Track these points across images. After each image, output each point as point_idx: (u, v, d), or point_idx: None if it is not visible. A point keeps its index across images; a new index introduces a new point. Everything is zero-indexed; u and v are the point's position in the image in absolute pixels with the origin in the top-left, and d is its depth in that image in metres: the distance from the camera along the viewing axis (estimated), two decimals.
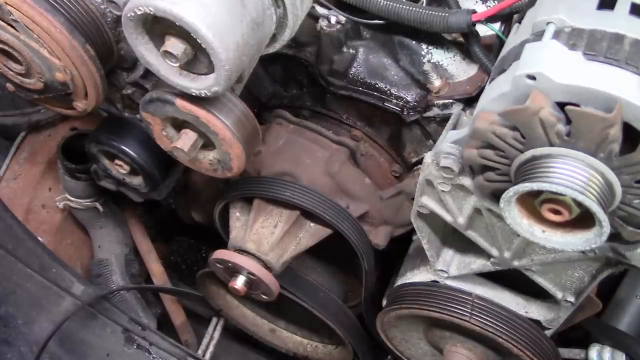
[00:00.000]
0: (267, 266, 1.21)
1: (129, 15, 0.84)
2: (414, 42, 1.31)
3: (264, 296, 1.25)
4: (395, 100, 1.31)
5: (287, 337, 1.64)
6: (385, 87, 1.31)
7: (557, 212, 0.79)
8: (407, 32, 1.30)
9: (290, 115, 1.39)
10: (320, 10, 1.28)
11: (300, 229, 1.26)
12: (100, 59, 1.01)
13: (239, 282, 1.21)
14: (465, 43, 1.24)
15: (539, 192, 0.78)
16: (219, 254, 1.22)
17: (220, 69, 0.85)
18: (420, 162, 1.37)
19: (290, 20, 0.94)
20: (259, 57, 0.97)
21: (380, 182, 1.40)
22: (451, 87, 1.29)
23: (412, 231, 1.30)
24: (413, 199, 1.06)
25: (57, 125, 1.67)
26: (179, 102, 0.96)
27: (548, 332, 1.14)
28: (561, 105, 0.74)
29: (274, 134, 1.36)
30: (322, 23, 1.26)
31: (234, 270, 1.22)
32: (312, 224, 1.27)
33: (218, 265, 1.24)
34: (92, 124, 1.38)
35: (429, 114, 1.31)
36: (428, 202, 1.02)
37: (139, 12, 0.82)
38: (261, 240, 1.23)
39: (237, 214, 1.29)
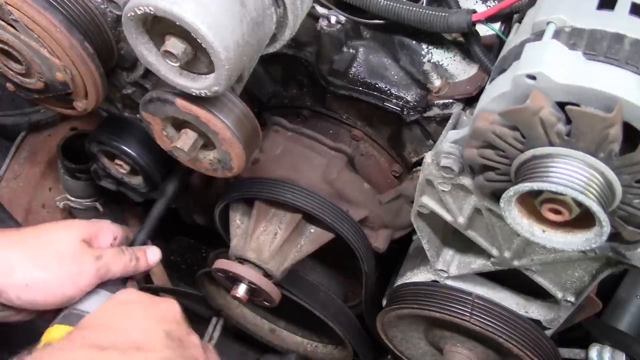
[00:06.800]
0: (267, 274, 1.22)
1: (129, 14, 0.84)
2: (414, 42, 1.31)
3: (266, 302, 1.26)
4: (395, 100, 1.31)
5: (287, 337, 1.64)
6: (386, 87, 1.31)
7: (557, 212, 0.79)
8: (407, 32, 1.30)
9: (287, 122, 1.38)
10: (320, 10, 1.27)
11: (301, 234, 1.26)
12: (100, 58, 1.01)
13: (241, 291, 1.22)
14: (465, 43, 1.24)
15: (539, 192, 0.78)
16: (220, 264, 1.23)
17: (220, 68, 0.85)
18: (420, 162, 1.37)
19: (290, 20, 0.94)
20: (259, 57, 0.97)
21: (380, 182, 1.39)
22: (451, 87, 1.29)
23: (412, 231, 1.30)
24: (412, 201, 1.06)
25: (57, 125, 1.67)
26: (179, 102, 0.96)
27: (548, 332, 1.14)
28: (561, 105, 0.74)
29: (271, 142, 1.35)
30: (322, 23, 1.26)
31: (235, 279, 1.23)
32: (312, 229, 1.26)
33: (219, 274, 1.25)
34: (92, 124, 1.38)
35: (429, 113, 1.31)
36: (428, 201, 1.02)
37: (139, 12, 0.82)
38: (262, 248, 1.22)
39: (238, 221, 1.28)
